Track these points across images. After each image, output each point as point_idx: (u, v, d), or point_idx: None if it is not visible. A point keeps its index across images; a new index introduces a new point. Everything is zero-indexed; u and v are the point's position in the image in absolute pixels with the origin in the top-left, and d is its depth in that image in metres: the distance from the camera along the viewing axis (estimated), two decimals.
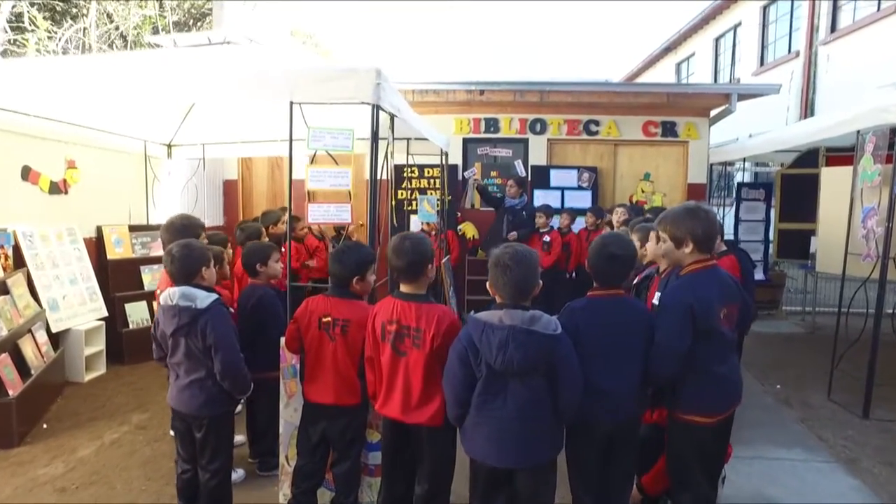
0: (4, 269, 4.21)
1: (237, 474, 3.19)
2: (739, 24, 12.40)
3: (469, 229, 7.38)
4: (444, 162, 5.99)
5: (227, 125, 5.52)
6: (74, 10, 11.47)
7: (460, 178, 7.44)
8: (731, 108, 7.18)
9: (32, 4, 10.55)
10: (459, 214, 7.37)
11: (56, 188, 4.94)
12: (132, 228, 5.74)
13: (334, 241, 5.05)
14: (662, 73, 16.47)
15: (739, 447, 3.38)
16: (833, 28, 9.46)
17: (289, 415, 2.90)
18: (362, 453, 2.73)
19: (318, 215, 3.18)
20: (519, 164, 7.50)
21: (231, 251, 3.86)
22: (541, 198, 6.93)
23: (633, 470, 2.43)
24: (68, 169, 5.07)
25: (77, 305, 4.88)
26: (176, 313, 2.44)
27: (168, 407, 2.68)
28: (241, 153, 6.87)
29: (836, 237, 5.58)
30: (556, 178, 7.38)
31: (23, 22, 10.25)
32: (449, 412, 2.16)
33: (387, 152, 3.62)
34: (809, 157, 7.17)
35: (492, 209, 6.65)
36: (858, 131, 4.29)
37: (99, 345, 4.99)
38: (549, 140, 7.51)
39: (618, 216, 5.00)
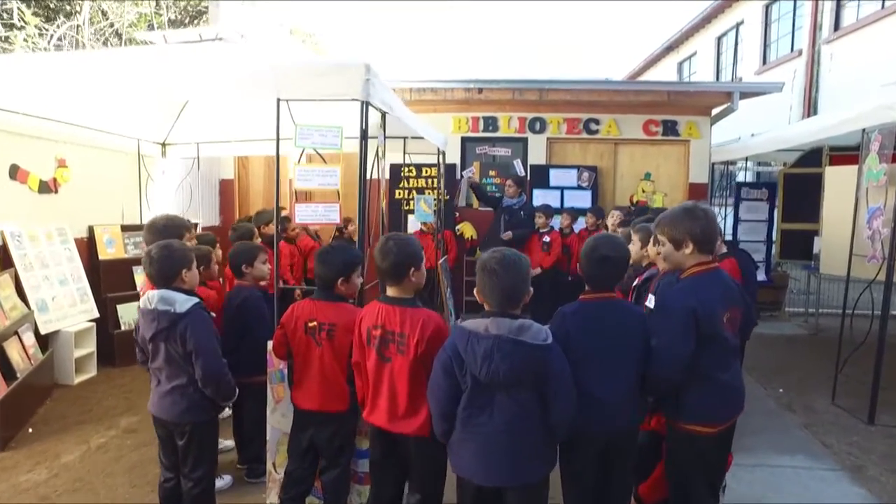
0: None
1: (224, 481, 3.12)
2: (742, 22, 12.32)
3: (467, 229, 7.29)
4: (441, 161, 5.90)
5: (222, 123, 5.44)
6: (68, 7, 11.37)
7: (458, 177, 7.35)
8: (733, 107, 7.09)
9: (23, 0, 10.43)
10: (457, 214, 7.28)
11: (46, 187, 4.86)
12: (125, 228, 5.66)
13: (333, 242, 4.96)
14: (664, 73, 16.41)
15: (741, 454, 3.29)
16: (837, 26, 9.38)
17: (276, 420, 2.81)
18: (352, 461, 2.65)
19: (306, 215, 3.10)
20: (518, 164, 7.41)
21: (220, 251, 3.78)
22: (540, 197, 6.84)
23: (631, 483, 2.34)
24: (58, 168, 4.98)
25: (67, 307, 4.80)
26: (155, 317, 2.36)
27: None
28: (236, 152, 6.75)
29: (840, 238, 5.48)
30: (556, 177, 7.29)
31: (11, 18, 10.11)
32: (435, 427, 2.05)
33: (377, 151, 3.54)
34: (813, 157, 7.08)
35: (491, 209, 6.55)
36: (864, 130, 4.22)
37: (89, 346, 4.91)
38: (548, 139, 7.41)
39: (613, 219, 4.92)
